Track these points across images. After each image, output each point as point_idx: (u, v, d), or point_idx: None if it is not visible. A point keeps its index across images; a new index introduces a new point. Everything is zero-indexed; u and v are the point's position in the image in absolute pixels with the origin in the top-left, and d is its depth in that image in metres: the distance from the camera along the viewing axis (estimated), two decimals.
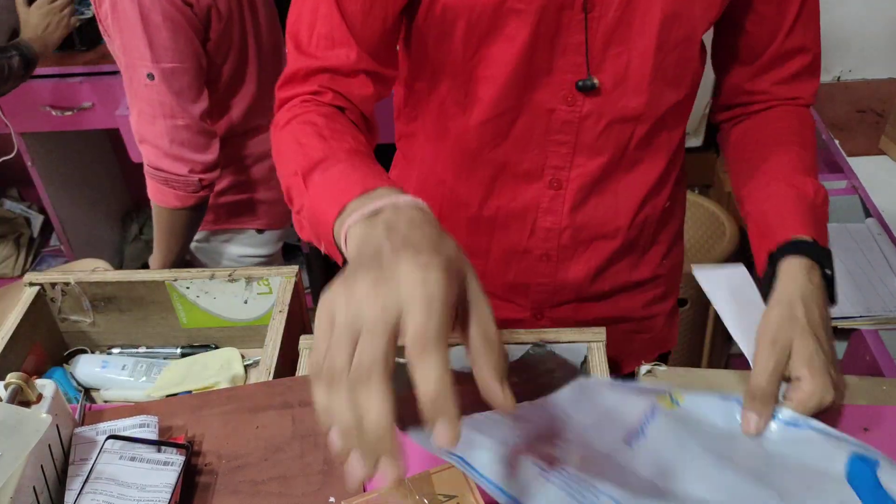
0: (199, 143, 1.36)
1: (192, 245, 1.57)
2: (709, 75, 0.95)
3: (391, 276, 0.51)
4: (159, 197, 1.40)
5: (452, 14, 0.80)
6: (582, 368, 0.87)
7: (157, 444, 0.76)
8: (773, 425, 0.72)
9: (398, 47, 0.89)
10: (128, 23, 1.26)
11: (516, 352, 0.87)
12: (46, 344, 1.05)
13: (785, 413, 0.72)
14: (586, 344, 0.88)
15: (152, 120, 1.33)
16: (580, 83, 0.82)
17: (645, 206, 0.95)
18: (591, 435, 0.71)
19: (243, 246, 1.64)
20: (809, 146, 0.90)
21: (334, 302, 0.52)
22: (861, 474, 0.67)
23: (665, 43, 0.81)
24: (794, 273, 0.77)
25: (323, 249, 0.68)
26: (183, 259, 1.49)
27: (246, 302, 1.06)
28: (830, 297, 0.78)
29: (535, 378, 0.83)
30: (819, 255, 0.78)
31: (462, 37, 0.81)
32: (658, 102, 0.86)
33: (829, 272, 0.78)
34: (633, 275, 1.01)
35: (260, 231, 1.63)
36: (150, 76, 1.29)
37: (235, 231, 1.61)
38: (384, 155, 0.91)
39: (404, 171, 1.00)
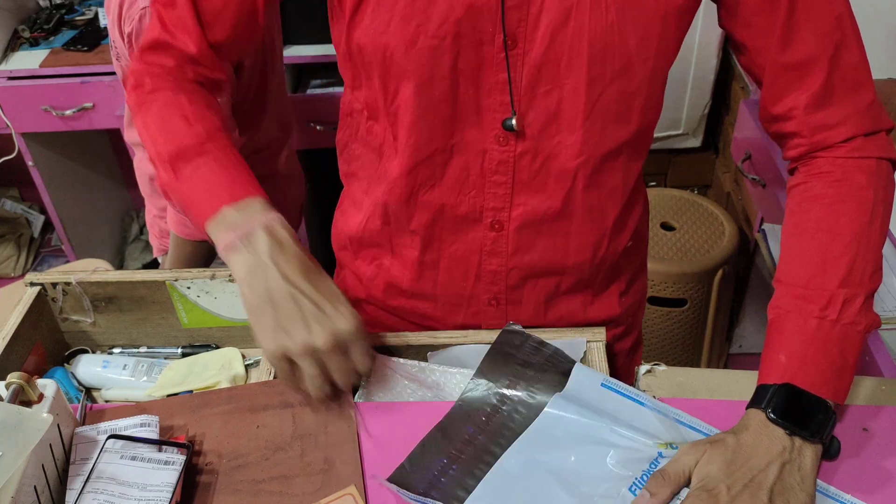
0: None
1: None
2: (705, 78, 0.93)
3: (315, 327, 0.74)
4: (184, 230, 1.38)
5: (368, 55, 0.78)
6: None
7: (158, 443, 0.76)
8: None
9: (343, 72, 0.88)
10: None
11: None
12: (47, 344, 1.05)
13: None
14: (584, 339, 0.88)
15: None
16: (505, 123, 0.79)
17: (601, 249, 0.91)
18: (591, 482, 0.72)
19: None
20: (849, 232, 0.75)
21: (278, 347, 0.74)
22: None
23: (598, 78, 0.77)
24: (752, 429, 0.71)
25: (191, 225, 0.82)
26: None
27: None
28: (823, 439, 0.71)
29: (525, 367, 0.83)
30: (797, 406, 0.70)
31: (379, 78, 0.80)
32: (599, 140, 0.81)
33: (807, 434, 0.70)
34: (589, 313, 0.97)
35: None
36: None
37: None
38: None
39: (350, 212, 0.97)
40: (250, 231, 0.76)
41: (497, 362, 0.83)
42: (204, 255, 1.43)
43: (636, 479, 0.72)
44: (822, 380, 0.72)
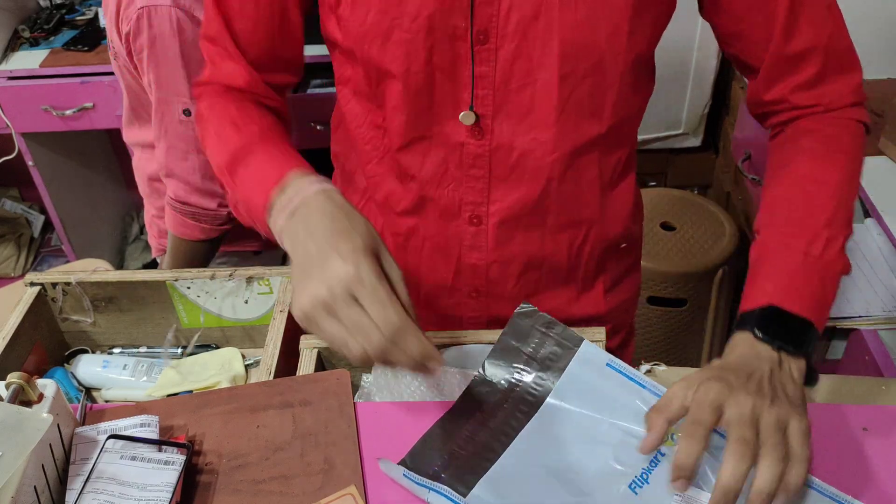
0: None
1: None
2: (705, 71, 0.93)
3: (330, 272, 0.66)
4: (181, 230, 1.38)
5: (350, 42, 0.80)
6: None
7: (158, 443, 0.76)
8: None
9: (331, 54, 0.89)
10: (166, 58, 1.24)
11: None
12: (47, 344, 1.05)
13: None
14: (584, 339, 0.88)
15: (185, 156, 1.31)
16: (461, 115, 0.80)
17: (577, 242, 0.91)
18: (591, 480, 0.73)
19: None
20: (834, 179, 0.79)
21: (308, 297, 0.67)
22: None
23: (571, 74, 0.77)
24: (740, 349, 0.72)
25: (263, 235, 0.80)
26: None
27: (247, 302, 1.06)
28: (809, 367, 0.72)
29: (534, 351, 0.83)
30: (781, 325, 0.72)
31: (362, 64, 0.81)
32: (573, 135, 0.82)
33: (791, 349, 0.71)
34: (573, 310, 0.97)
35: (257, 252, 1.63)
36: (187, 112, 1.27)
37: (231, 254, 1.61)
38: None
39: (343, 191, 0.97)
40: (291, 211, 0.72)
41: (502, 356, 0.83)
42: (202, 254, 1.43)
43: (636, 476, 0.72)
44: (805, 304, 0.73)
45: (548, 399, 0.79)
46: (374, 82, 0.82)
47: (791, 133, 0.84)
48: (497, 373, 0.82)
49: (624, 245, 0.97)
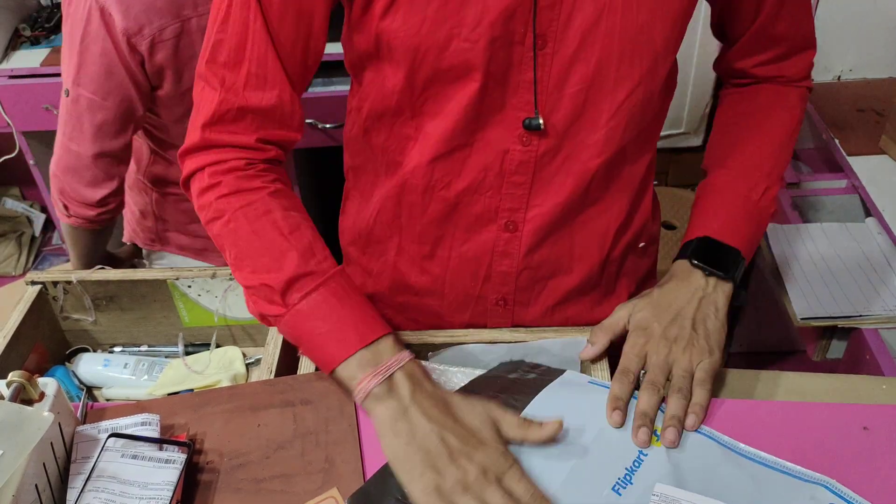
0: (84, 177, 1.30)
1: None
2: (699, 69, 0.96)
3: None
4: (63, 218, 1.38)
5: (398, 54, 0.78)
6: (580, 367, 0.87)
7: (159, 442, 0.76)
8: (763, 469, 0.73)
9: (350, 76, 0.88)
10: (70, 36, 1.23)
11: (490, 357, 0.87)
12: (48, 342, 1.06)
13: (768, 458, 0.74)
14: (585, 339, 0.88)
15: (59, 130, 1.29)
16: (526, 122, 0.80)
17: (606, 245, 0.92)
18: (574, 485, 0.72)
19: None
20: (780, 137, 0.92)
21: (430, 487, 0.69)
22: None
23: (626, 77, 0.78)
24: (676, 276, 0.85)
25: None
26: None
27: None
28: (735, 289, 0.85)
29: (514, 382, 0.83)
30: (714, 254, 0.84)
31: (407, 74, 0.79)
32: (619, 137, 0.82)
33: (721, 274, 0.84)
34: (595, 314, 0.96)
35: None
36: (66, 92, 1.26)
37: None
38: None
39: (359, 206, 0.96)
40: (388, 375, 0.75)
41: (475, 388, 0.82)
42: (85, 243, 1.43)
43: (619, 478, 0.72)
44: (738, 238, 0.86)
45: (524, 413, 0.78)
46: (419, 90, 0.80)
47: (749, 92, 0.96)
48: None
49: (642, 244, 0.97)
